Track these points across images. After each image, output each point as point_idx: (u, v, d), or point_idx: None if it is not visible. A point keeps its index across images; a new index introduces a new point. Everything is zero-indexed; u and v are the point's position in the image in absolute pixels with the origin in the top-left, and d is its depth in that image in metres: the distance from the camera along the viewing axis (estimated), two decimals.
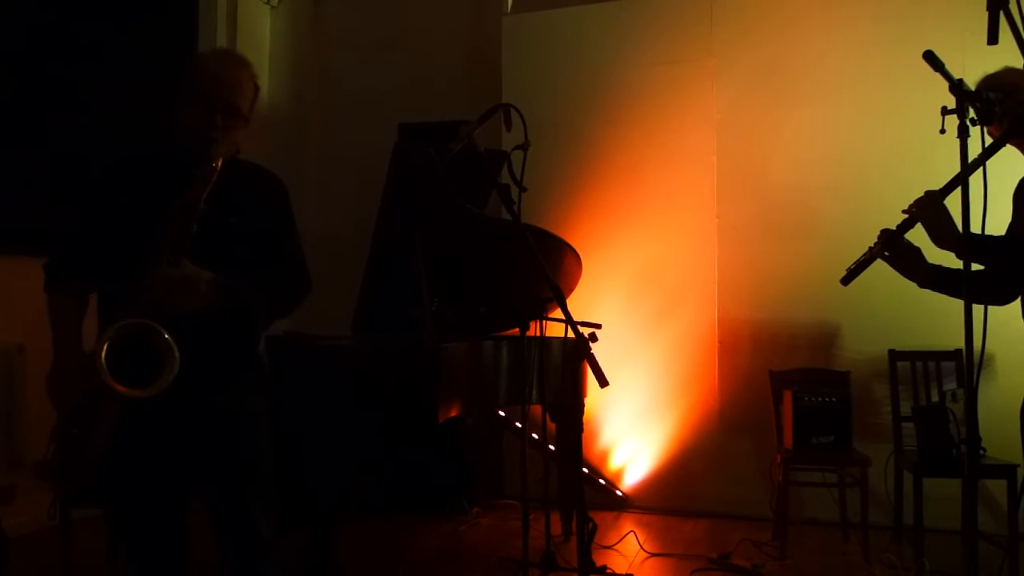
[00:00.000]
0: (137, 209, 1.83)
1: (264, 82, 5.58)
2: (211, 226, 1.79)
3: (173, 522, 1.92)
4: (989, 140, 1.93)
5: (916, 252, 2.19)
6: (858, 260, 2.23)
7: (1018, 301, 2.16)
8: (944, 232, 2.05)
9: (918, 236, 2.19)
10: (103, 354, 1.63)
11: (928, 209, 2.09)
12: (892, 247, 2.18)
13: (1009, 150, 2.12)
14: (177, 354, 1.67)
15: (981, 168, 1.91)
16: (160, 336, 1.67)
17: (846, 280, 2.26)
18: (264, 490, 1.94)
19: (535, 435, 4.00)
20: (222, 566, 1.92)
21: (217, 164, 1.78)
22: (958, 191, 1.81)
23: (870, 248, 2.22)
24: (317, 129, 5.56)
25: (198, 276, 1.75)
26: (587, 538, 3.07)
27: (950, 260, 2.07)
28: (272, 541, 1.93)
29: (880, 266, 2.24)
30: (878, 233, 2.22)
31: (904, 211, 2.17)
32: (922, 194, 2.15)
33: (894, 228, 2.19)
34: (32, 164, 4.06)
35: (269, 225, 1.98)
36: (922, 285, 2.22)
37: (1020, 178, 2.22)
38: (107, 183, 1.94)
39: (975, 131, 1.80)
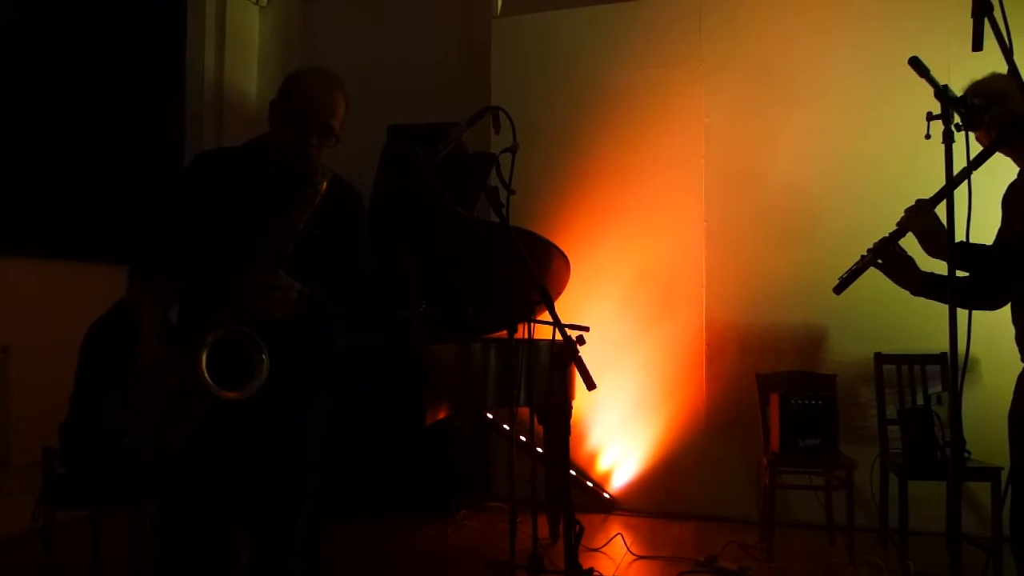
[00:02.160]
0: (230, 212, 1.91)
1: (252, 83, 5.58)
2: (299, 238, 1.88)
3: (225, 521, 1.98)
4: (975, 146, 1.94)
5: (909, 260, 2.21)
6: (851, 269, 2.25)
7: (1007, 306, 2.18)
8: (936, 241, 2.06)
9: (910, 244, 2.21)
10: (204, 358, 1.72)
11: (919, 218, 2.11)
12: (885, 255, 2.20)
13: (998, 156, 2.13)
14: (267, 361, 1.78)
15: (962, 176, 1.93)
16: (254, 343, 1.77)
17: (839, 289, 2.27)
18: (311, 491, 2.02)
19: (523, 438, 3.99)
20: (251, 563, 1.98)
21: (322, 188, 1.89)
22: (952, 197, 1.82)
23: (863, 256, 2.24)
24: None
25: (290, 287, 1.84)
26: (574, 541, 3.07)
27: (943, 267, 2.08)
28: (303, 541, 2.00)
29: (867, 272, 2.26)
30: (871, 245, 2.24)
31: (898, 223, 2.18)
32: (913, 203, 2.16)
33: (886, 237, 2.20)
34: (15, 165, 4.04)
35: (346, 237, 2.07)
36: (915, 293, 2.23)
37: (1008, 184, 2.24)
38: (200, 179, 2.01)
39: (960, 136, 1.82)
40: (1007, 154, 2.16)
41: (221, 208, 1.93)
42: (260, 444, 1.95)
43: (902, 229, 2.16)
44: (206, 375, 1.72)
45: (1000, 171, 2.22)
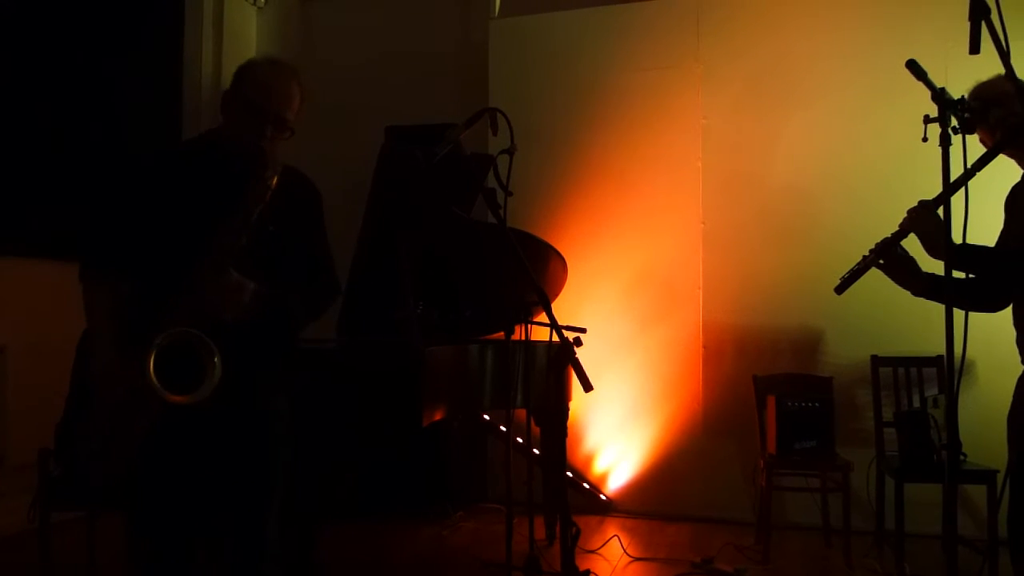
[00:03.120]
0: (181, 208, 1.85)
1: None
2: (251, 233, 1.82)
3: (192, 525, 1.94)
4: (972, 149, 1.94)
5: (911, 261, 2.20)
6: (852, 269, 2.24)
7: (1008, 309, 2.18)
8: (937, 243, 2.06)
9: (911, 245, 2.21)
10: (152, 361, 1.66)
11: (921, 219, 2.10)
12: (887, 256, 2.19)
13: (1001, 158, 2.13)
14: (219, 363, 1.71)
15: (966, 177, 1.93)
16: (206, 346, 1.71)
17: (840, 289, 2.27)
18: (276, 491, 1.96)
19: (519, 439, 3.99)
20: (223, 565, 1.94)
21: (272, 182, 1.81)
22: (952, 199, 1.82)
23: (864, 257, 2.23)
24: (303, 131, 5.51)
25: (243, 286, 1.78)
26: (570, 542, 3.07)
27: (943, 269, 2.08)
28: (276, 542, 1.95)
29: (866, 274, 2.26)
30: (873, 245, 2.23)
31: (900, 225, 2.18)
32: (916, 204, 2.15)
33: (888, 237, 2.20)
34: (11, 164, 4.03)
35: (303, 231, 2.02)
36: (916, 293, 2.23)
37: (1011, 187, 2.24)
38: (150, 176, 1.95)
39: (957, 139, 1.82)
40: (1011, 155, 2.16)
41: (172, 205, 1.86)
42: (220, 447, 1.89)
43: (904, 230, 2.16)
44: (153, 379, 1.66)
45: (1004, 173, 2.21)
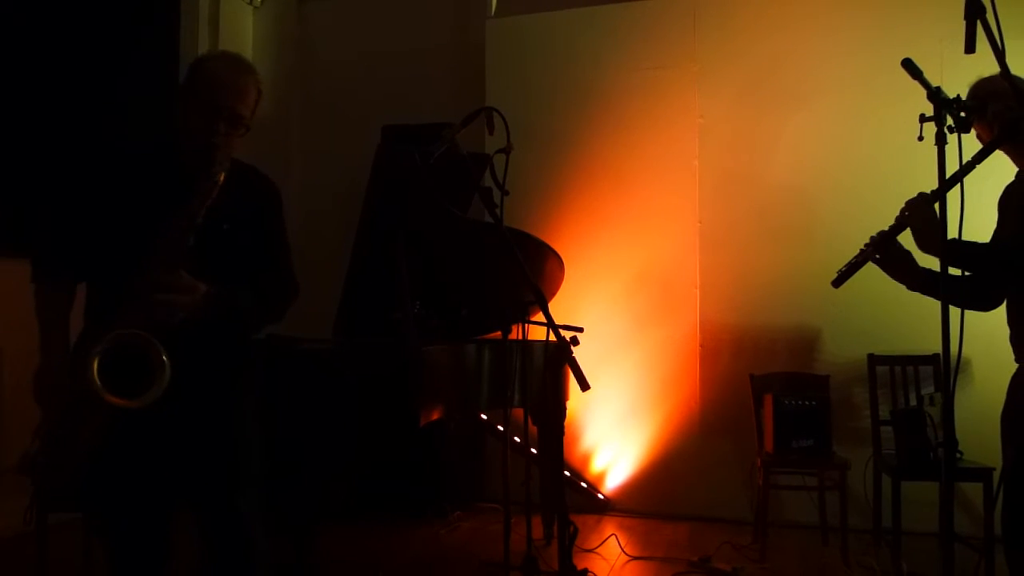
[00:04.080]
0: (132, 208, 1.82)
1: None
2: (204, 232, 1.78)
3: (156, 527, 1.91)
4: (968, 148, 1.94)
5: (907, 256, 2.20)
6: (849, 262, 2.23)
7: (999, 308, 2.18)
8: (930, 237, 2.06)
9: (907, 240, 2.20)
10: (95, 364, 1.61)
11: (918, 213, 2.09)
12: (884, 250, 2.19)
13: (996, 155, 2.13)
14: (168, 366, 1.66)
15: (964, 172, 1.93)
16: (153, 348, 1.66)
17: (837, 282, 2.26)
18: (252, 491, 1.93)
19: (517, 439, 3.99)
20: (209, 569, 1.90)
21: (219, 179, 1.78)
22: (949, 197, 1.83)
23: (861, 250, 2.22)
24: (300, 130, 5.53)
25: (192, 287, 1.74)
26: (568, 542, 3.07)
27: (937, 264, 2.08)
28: (262, 543, 1.92)
29: (861, 271, 2.25)
30: (870, 238, 2.23)
31: (897, 217, 2.17)
32: (916, 195, 2.14)
33: (885, 231, 2.19)
34: (7, 164, 4.02)
35: (260, 230, 1.97)
36: (912, 288, 2.22)
37: (1005, 186, 2.24)
38: (101, 176, 1.90)
39: (952, 138, 1.82)
40: (1007, 152, 2.16)
41: (123, 205, 1.83)
42: (177, 446, 1.86)
43: (901, 223, 2.15)
44: (96, 382, 1.61)
45: (1001, 171, 2.21)
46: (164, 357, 1.66)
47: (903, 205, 2.15)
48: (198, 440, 1.87)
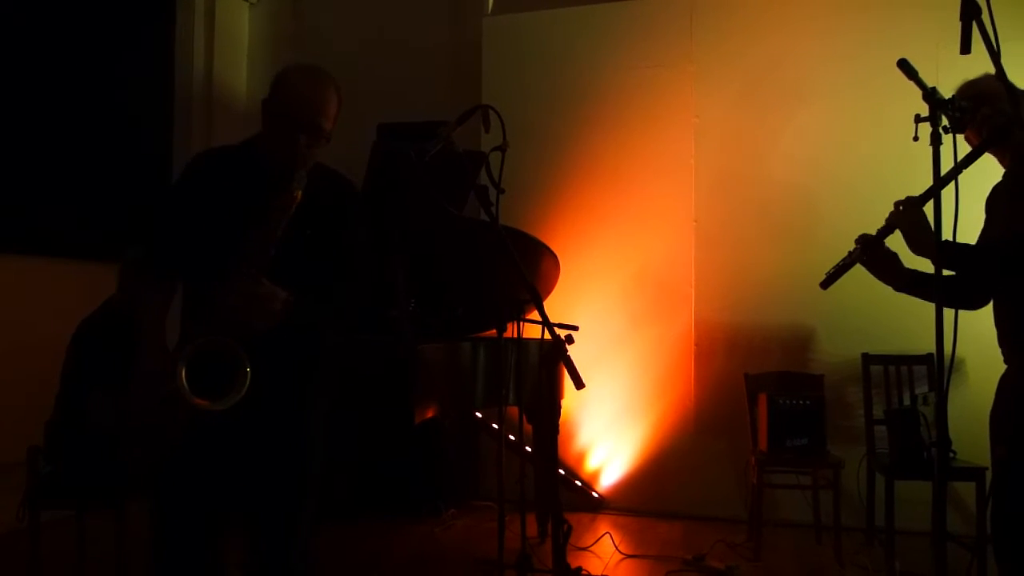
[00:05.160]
0: (218, 216, 1.88)
1: (242, 79, 5.55)
2: (286, 238, 1.83)
3: (211, 530, 1.95)
4: (963, 148, 1.95)
5: (894, 257, 2.21)
6: (837, 264, 2.25)
7: (990, 305, 2.19)
8: (921, 239, 2.07)
9: (894, 241, 2.21)
10: (183, 371, 1.70)
11: (907, 215, 2.11)
12: (871, 252, 2.20)
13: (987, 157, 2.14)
14: (249, 371, 1.75)
15: (952, 175, 1.94)
16: (236, 353, 1.75)
17: (825, 284, 2.27)
18: (312, 502, 2.00)
19: (512, 437, 4.00)
20: (255, 562, 1.96)
21: (297, 196, 1.82)
22: (938, 196, 1.83)
23: (850, 252, 2.23)
24: None
25: (274, 296, 1.80)
26: (562, 540, 3.07)
27: (926, 265, 2.09)
28: (307, 539, 1.99)
29: (854, 271, 2.26)
30: (856, 238, 2.24)
31: (887, 220, 2.18)
32: (904, 199, 2.16)
33: (873, 234, 2.21)
34: None
35: (340, 236, 2.02)
36: (898, 289, 2.24)
37: (992, 187, 2.25)
38: (195, 181, 1.97)
39: (947, 138, 1.82)
40: (995, 155, 2.17)
41: (212, 213, 1.90)
42: (256, 450, 1.93)
43: (890, 225, 2.17)
44: (184, 385, 1.71)
45: (989, 172, 2.22)
46: (245, 360, 1.75)
47: (892, 207, 2.16)
48: (270, 447, 1.93)
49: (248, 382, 1.75)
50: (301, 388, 1.99)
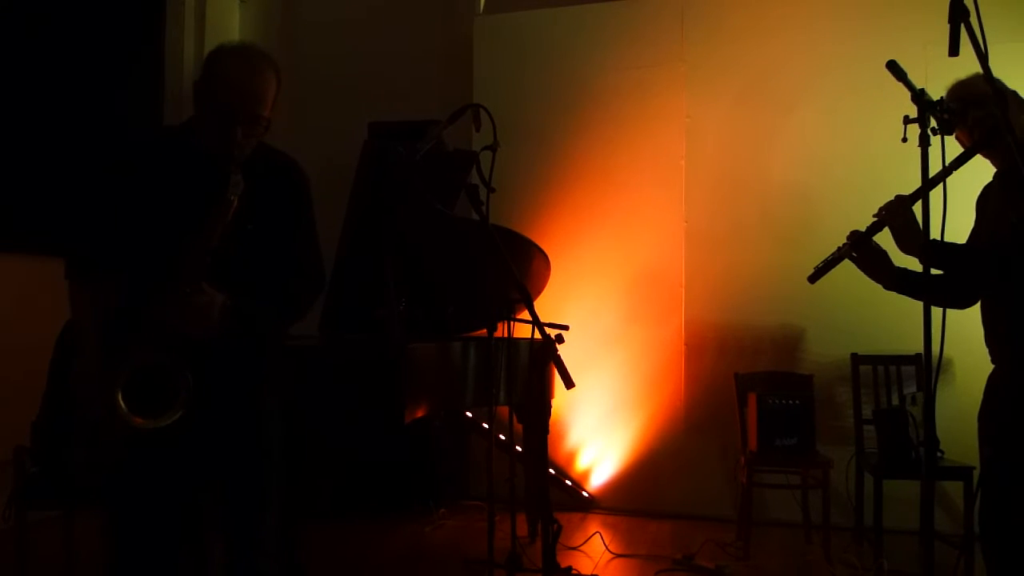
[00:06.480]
0: (155, 208, 1.80)
1: None
2: (227, 235, 1.76)
3: (172, 534, 1.91)
4: (951, 149, 1.96)
5: (883, 255, 2.22)
6: (826, 259, 2.26)
7: (978, 305, 2.21)
8: (909, 238, 2.08)
9: (884, 240, 2.23)
10: (119, 392, 1.66)
11: (896, 214, 2.12)
12: (860, 249, 2.21)
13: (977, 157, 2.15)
14: (190, 388, 1.70)
15: (943, 176, 1.95)
16: (174, 370, 1.70)
17: (813, 278, 2.28)
18: (276, 500, 1.95)
19: (502, 436, 3.99)
20: (223, 564, 1.92)
21: (234, 202, 1.74)
22: (931, 198, 1.84)
23: (839, 248, 2.24)
24: (285, 126, 5.47)
25: (212, 303, 1.74)
26: (552, 539, 3.07)
27: (915, 264, 2.11)
28: (273, 539, 1.94)
29: (843, 271, 2.27)
30: (848, 235, 2.25)
31: (875, 215, 2.19)
32: (893, 198, 2.17)
33: (863, 230, 2.22)
34: None
35: (285, 225, 1.94)
36: (887, 287, 2.25)
37: (983, 187, 2.27)
38: (127, 171, 1.86)
39: (936, 140, 1.83)
40: (987, 156, 2.18)
41: (147, 203, 1.80)
42: (210, 452, 1.87)
43: (880, 223, 2.18)
44: (123, 407, 1.66)
45: (978, 172, 2.24)
46: (186, 380, 1.70)
47: (881, 206, 2.17)
48: (224, 450, 1.89)
49: (189, 398, 1.71)
50: (249, 390, 1.92)
